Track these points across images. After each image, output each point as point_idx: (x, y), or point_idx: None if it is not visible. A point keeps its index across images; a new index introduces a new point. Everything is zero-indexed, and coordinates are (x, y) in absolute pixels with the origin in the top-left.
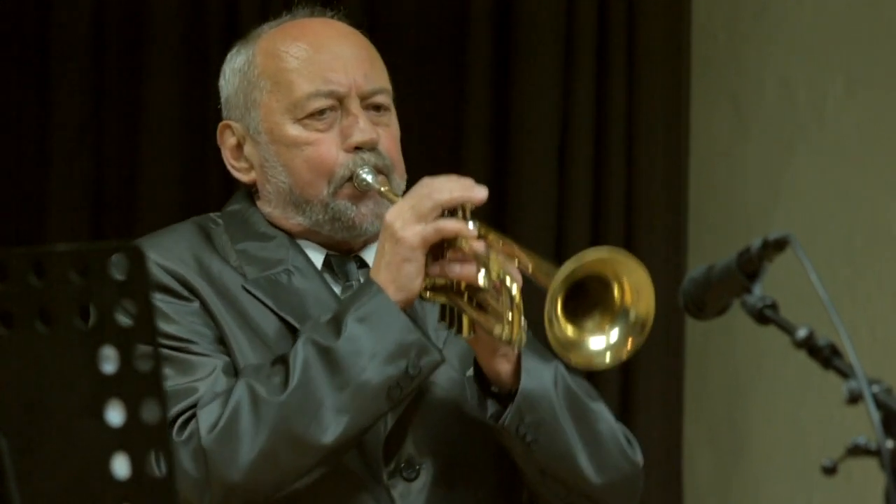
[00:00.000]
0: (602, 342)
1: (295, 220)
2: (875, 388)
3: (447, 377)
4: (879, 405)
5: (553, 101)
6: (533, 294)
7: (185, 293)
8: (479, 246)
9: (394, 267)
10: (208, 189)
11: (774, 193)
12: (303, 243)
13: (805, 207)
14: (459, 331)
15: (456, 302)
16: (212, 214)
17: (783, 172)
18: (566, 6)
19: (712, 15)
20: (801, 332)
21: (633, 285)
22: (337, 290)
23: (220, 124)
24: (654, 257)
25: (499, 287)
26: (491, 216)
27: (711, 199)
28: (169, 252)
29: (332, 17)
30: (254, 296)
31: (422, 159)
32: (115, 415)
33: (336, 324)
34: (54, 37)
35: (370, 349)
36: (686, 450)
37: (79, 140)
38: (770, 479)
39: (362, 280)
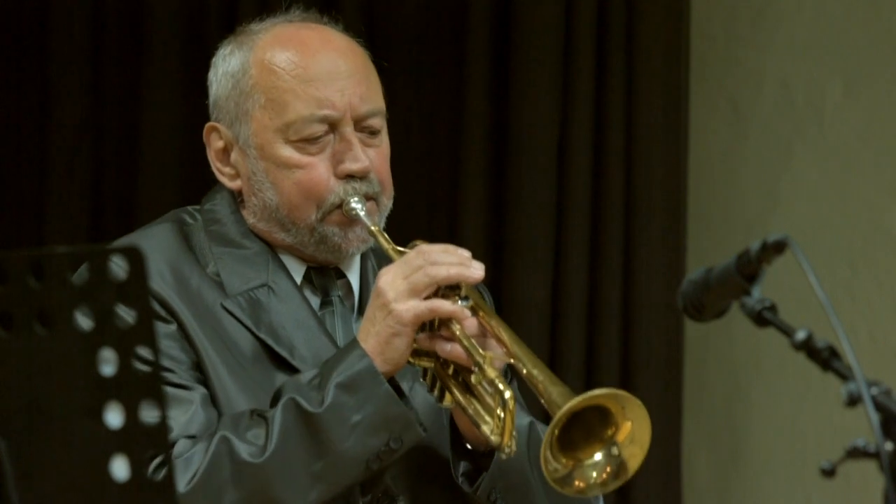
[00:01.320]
0: (592, 467)
1: (279, 236)
2: (874, 390)
3: (424, 402)
4: (878, 407)
5: (552, 103)
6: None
7: (164, 313)
8: (472, 327)
9: (383, 339)
10: (208, 190)
11: (773, 195)
12: (283, 257)
13: (804, 209)
14: (441, 399)
15: (441, 375)
16: (189, 208)
17: (782, 174)
18: (565, 7)
19: (711, 17)
20: (800, 334)
21: (633, 432)
22: (315, 303)
23: (207, 125)
24: (653, 259)
25: (491, 383)
26: (490, 217)
27: (710, 201)
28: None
29: (328, 23)
30: (232, 314)
31: (422, 159)
32: (114, 417)
33: (320, 387)
34: (54, 37)
35: (353, 419)
36: (685, 451)
37: (79, 140)
38: (769, 481)
39: (340, 294)
